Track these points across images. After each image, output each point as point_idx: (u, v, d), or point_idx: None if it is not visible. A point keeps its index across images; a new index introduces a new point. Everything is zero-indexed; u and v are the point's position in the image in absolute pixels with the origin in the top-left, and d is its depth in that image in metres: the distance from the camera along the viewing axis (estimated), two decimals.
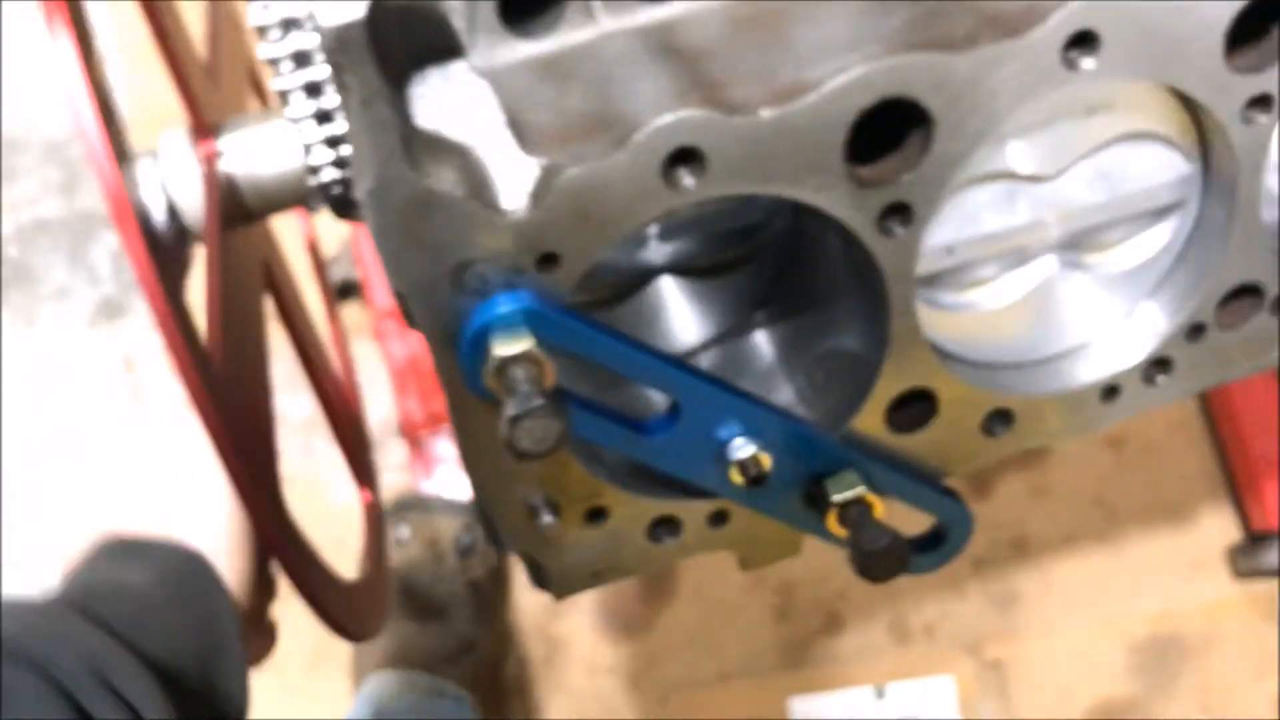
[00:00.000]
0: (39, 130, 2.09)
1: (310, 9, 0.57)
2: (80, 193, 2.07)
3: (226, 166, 0.95)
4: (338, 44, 0.57)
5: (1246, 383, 1.77)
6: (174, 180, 0.91)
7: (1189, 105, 0.72)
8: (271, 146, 0.94)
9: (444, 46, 0.66)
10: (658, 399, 0.78)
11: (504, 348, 0.64)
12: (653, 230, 0.82)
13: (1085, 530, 1.86)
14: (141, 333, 1.94)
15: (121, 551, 0.76)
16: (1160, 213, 0.78)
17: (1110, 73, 0.67)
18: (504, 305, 0.65)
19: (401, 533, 1.67)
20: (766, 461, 0.72)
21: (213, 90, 1.04)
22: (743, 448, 0.72)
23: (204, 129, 0.94)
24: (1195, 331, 0.79)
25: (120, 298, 2.00)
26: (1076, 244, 0.79)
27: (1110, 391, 0.81)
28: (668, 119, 0.63)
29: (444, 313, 0.66)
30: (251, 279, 1.01)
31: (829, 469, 0.75)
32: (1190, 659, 1.81)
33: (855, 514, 0.73)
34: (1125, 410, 0.81)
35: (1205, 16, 0.67)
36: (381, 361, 1.88)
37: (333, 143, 0.79)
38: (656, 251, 0.84)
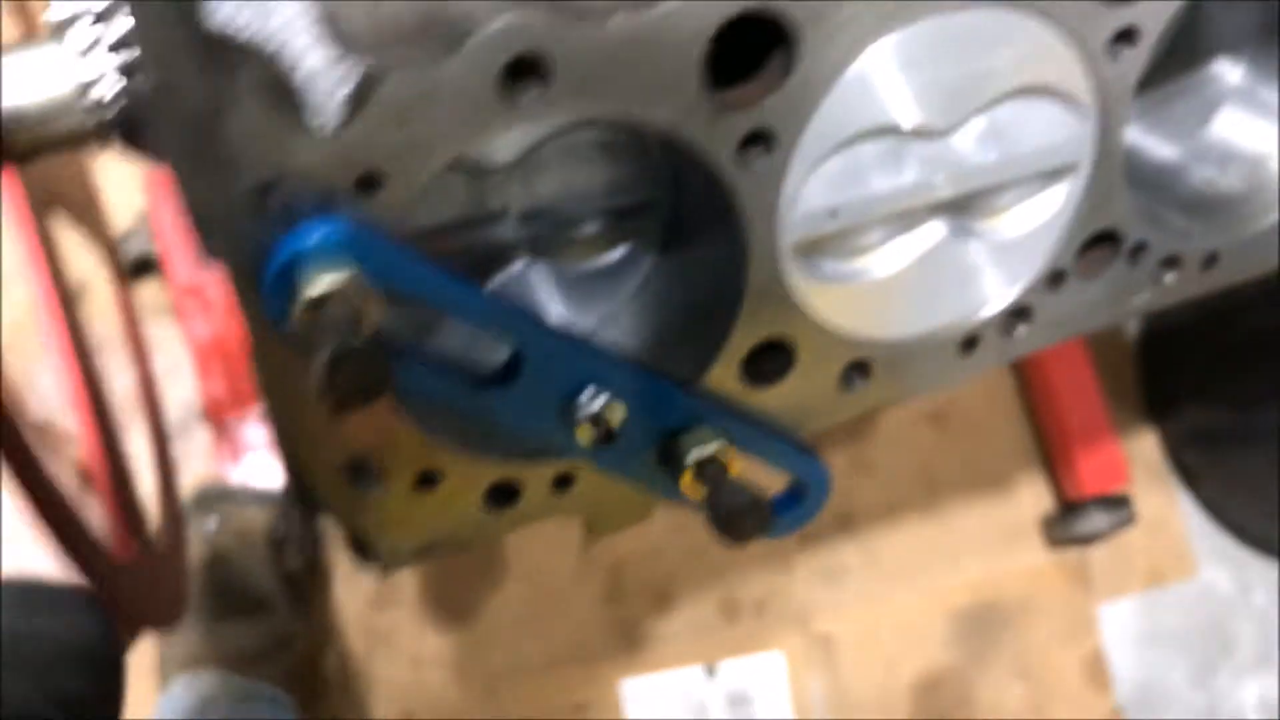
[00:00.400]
0: None
1: None
2: None
3: None
4: None
5: (1060, 357, 1.82)
6: None
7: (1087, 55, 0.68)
8: (39, 73, 0.82)
9: None
10: (494, 351, 0.70)
11: (316, 284, 0.55)
12: (515, 209, 0.74)
13: (908, 503, 1.88)
14: None
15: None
16: (1052, 176, 0.74)
17: None
18: (316, 233, 0.56)
19: (208, 525, 1.54)
20: (618, 416, 0.65)
21: None
22: (592, 401, 0.65)
23: None
24: (1055, 279, 0.76)
25: None
26: (966, 208, 0.74)
27: (969, 342, 0.77)
28: (506, 21, 0.56)
29: (245, 242, 0.56)
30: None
31: (682, 425, 0.69)
32: (1008, 626, 1.86)
33: (713, 472, 0.67)
34: (983, 362, 0.78)
35: None
36: (182, 342, 1.75)
37: (115, 49, 0.68)
38: (518, 230, 0.76)
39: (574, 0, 0.59)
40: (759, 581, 1.85)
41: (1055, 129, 0.71)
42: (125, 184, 1.56)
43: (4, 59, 0.81)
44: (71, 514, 0.68)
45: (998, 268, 0.76)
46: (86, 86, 0.71)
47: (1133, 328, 1.97)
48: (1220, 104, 0.83)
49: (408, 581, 1.78)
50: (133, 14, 0.52)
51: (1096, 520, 1.81)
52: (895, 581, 1.86)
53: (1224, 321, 1.74)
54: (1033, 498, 1.90)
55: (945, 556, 1.88)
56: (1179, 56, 0.86)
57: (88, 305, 1.11)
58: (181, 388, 1.73)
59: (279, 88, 0.55)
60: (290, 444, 0.64)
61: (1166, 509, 1.94)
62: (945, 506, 1.91)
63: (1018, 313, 0.77)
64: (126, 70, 0.68)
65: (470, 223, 0.68)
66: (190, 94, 0.52)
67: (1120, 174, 0.73)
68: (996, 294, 0.76)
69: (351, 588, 1.76)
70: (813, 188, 0.67)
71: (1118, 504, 1.81)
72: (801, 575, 1.83)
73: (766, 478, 0.74)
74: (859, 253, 0.75)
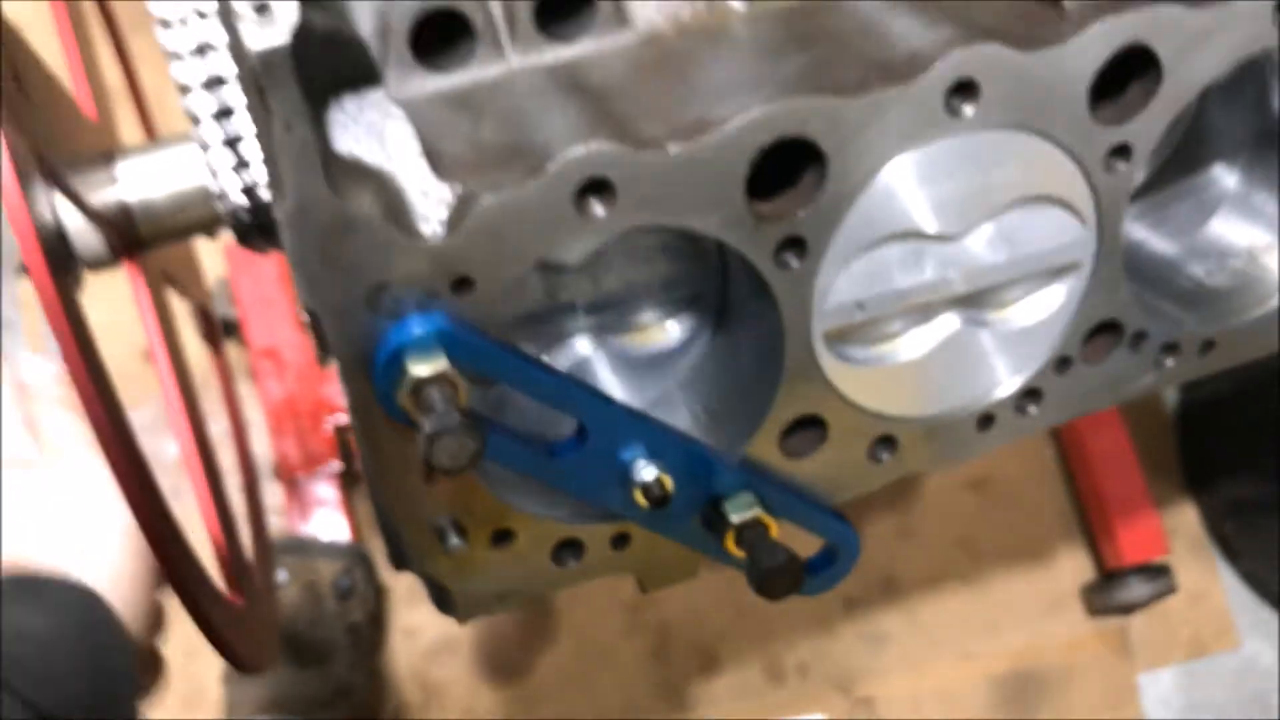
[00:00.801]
0: None
1: (239, 32, 0.57)
2: None
3: (121, 194, 0.94)
4: (264, 67, 0.58)
5: (1098, 427, 1.87)
6: (66, 207, 0.90)
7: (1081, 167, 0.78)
8: (169, 172, 0.94)
9: (363, 74, 0.68)
10: (563, 423, 0.80)
11: (420, 368, 0.65)
12: (582, 301, 0.84)
13: (950, 570, 1.92)
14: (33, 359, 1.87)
15: (16, 591, 0.74)
16: (1057, 273, 0.83)
17: (988, 120, 0.73)
18: (419, 327, 0.66)
19: (279, 576, 1.64)
20: (669, 484, 0.74)
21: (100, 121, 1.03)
22: (646, 469, 0.74)
23: (97, 156, 0.93)
24: (1062, 364, 0.85)
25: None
26: (979, 301, 0.83)
27: (985, 420, 0.86)
28: (579, 150, 0.66)
29: (358, 334, 0.67)
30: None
31: (727, 492, 0.78)
32: (1049, 694, 1.89)
33: (752, 534, 0.76)
34: (999, 438, 0.86)
35: (1073, 68, 0.73)
36: (257, 402, 1.85)
37: (242, 165, 0.79)
38: (584, 318, 0.86)
39: (637, 130, 0.69)
40: (804, 645, 1.89)
41: (1058, 232, 0.81)
42: (206, 249, 1.70)
43: (136, 158, 0.93)
44: (192, 558, 0.77)
45: (1006, 354, 0.85)
46: (212, 188, 0.82)
47: (1171, 399, 2.01)
48: (1217, 207, 0.91)
49: (463, 637, 1.84)
50: (269, 145, 0.63)
51: (1137, 589, 1.84)
52: (937, 647, 1.90)
53: (1261, 394, 1.77)
54: (1073, 566, 1.94)
55: (987, 623, 1.91)
56: (1181, 161, 0.96)
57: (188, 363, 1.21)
58: (254, 445, 1.84)
59: (393, 206, 0.66)
60: (386, 505, 0.74)
61: (1207, 580, 1.96)
62: (987, 574, 1.94)
63: (1029, 394, 0.86)
64: (251, 187, 0.80)
65: (544, 314, 0.78)
66: (319, 212, 0.63)
67: (1120, 270, 0.82)
68: (1007, 378, 0.85)
69: (409, 641, 1.83)
70: (842, 284, 0.77)
71: (1158, 573, 1.84)
72: (845, 640, 1.88)
73: (803, 541, 0.83)
74: (883, 340, 0.84)
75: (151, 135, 1.31)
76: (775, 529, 0.78)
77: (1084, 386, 0.86)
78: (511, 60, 0.77)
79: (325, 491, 1.81)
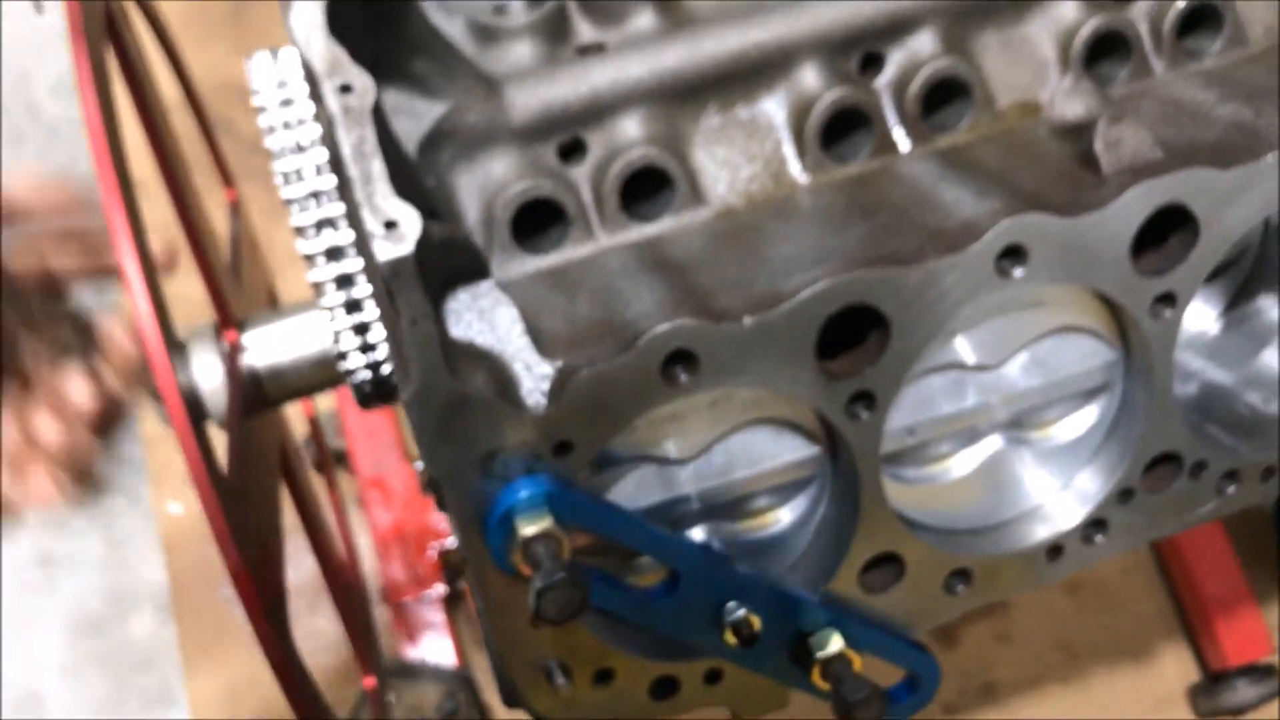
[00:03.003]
0: None
1: (370, 246, 0.67)
2: None
3: (249, 359, 1.04)
4: (392, 275, 0.68)
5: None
6: (201, 372, 1.01)
7: (1108, 302, 0.84)
8: (291, 339, 1.04)
9: (473, 268, 0.77)
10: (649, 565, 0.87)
11: (528, 527, 0.73)
12: (696, 492, 0.88)
13: (1049, 673, 1.91)
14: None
15: None
16: (1090, 393, 0.90)
17: (1037, 279, 0.79)
18: (526, 489, 0.74)
19: (388, 698, 1.71)
20: (757, 623, 0.80)
21: (236, 290, 1.14)
22: (735, 611, 0.81)
23: (228, 323, 1.04)
24: (1125, 495, 0.90)
25: (108, 473, 2.06)
26: (1019, 423, 0.90)
27: (1055, 551, 0.91)
28: (664, 327, 0.74)
29: (473, 496, 0.75)
30: (270, 462, 1.10)
31: (812, 628, 0.84)
32: None
33: (837, 669, 0.82)
34: (1069, 567, 0.91)
35: (1114, 229, 0.80)
36: (366, 528, 1.95)
37: (360, 330, 0.88)
38: (698, 507, 0.90)
39: (714, 302, 0.77)
40: None
41: (1088, 356, 0.88)
42: None
43: (266, 326, 1.04)
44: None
45: (1048, 468, 0.91)
46: (338, 359, 0.92)
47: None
48: (1269, 337, 0.96)
49: None
50: (395, 337, 0.72)
51: (1243, 691, 1.81)
52: None
53: None
54: (1177, 667, 1.91)
55: None
56: (1231, 294, 1.01)
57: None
58: (364, 570, 1.93)
59: (502, 382, 0.74)
60: (498, 648, 0.82)
61: None
62: (1087, 676, 1.92)
63: (1094, 524, 0.91)
64: (368, 349, 0.89)
65: (660, 507, 0.85)
66: (440, 394, 0.72)
67: (1172, 407, 0.87)
68: (1055, 492, 0.91)
69: None
70: (893, 412, 0.83)
71: (1264, 673, 1.81)
72: None
73: (883, 669, 0.89)
74: (934, 461, 0.91)
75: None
76: (859, 662, 0.83)
77: (1148, 515, 0.91)
78: (600, 240, 0.86)
79: (431, 614, 1.89)
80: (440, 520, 1.88)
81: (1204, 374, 0.96)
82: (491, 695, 1.80)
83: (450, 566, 1.88)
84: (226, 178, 1.36)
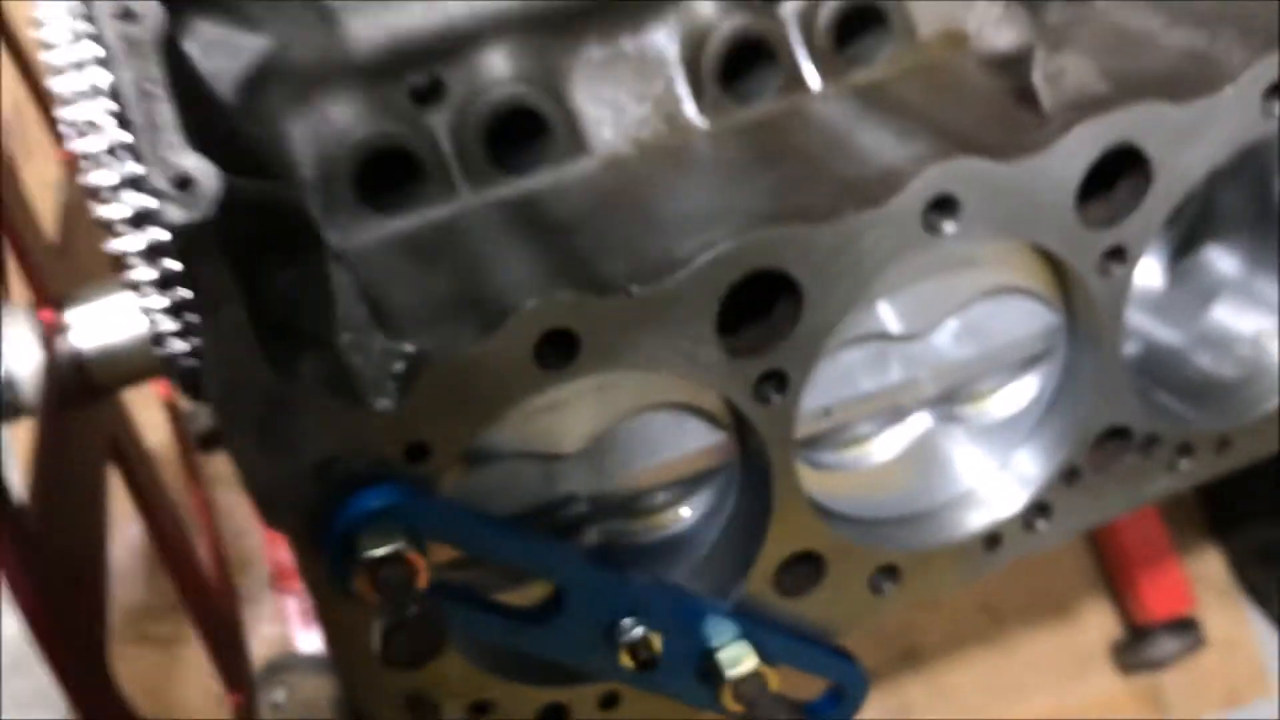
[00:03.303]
0: None
1: (158, 205, 0.54)
2: None
3: (73, 341, 0.90)
4: (185, 243, 0.54)
5: None
6: (12, 357, 0.87)
7: (1050, 258, 0.74)
8: (122, 317, 0.90)
9: (300, 234, 0.64)
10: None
11: (374, 548, 0.60)
12: (585, 492, 0.77)
13: (973, 636, 1.88)
14: None
15: None
16: (1029, 362, 0.80)
17: (971, 234, 0.69)
18: (372, 500, 0.62)
19: (276, 696, 1.58)
20: (658, 643, 0.69)
21: (61, 263, 1.00)
22: (631, 629, 0.69)
23: (47, 302, 0.90)
24: (1070, 476, 0.80)
25: None
26: (950, 397, 0.79)
27: (992, 540, 0.81)
28: (536, 301, 0.62)
29: (306, 512, 0.62)
30: (94, 458, 0.96)
31: (720, 642, 0.73)
32: None
33: (751, 689, 0.71)
34: (1007, 557, 0.82)
35: (1057, 174, 0.69)
36: (251, 508, 1.81)
37: (177, 310, 0.75)
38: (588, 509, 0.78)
39: (597, 270, 0.65)
40: None
41: (1028, 320, 0.78)
42: None
43: (94, 303, 0.90)
44: None
45: (982, 447, 0.82)
46: (155, 341, 0.78)
47: None
48: (1218, 292, 0.87)
49: None
50: (200, 323, 0.59)
51: (1166, 645, 1.81)
52: (964, 716, 1.85)
53: None
54: (1100, 623, 1.89)
55: (1014, 687, 1.86)
56: (1176, 244, 0.91)
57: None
58: (249, 553, 1.80)
59: (337, 373, 0.61)
60: (352, 683, 0.69)
61: (1238, 628, 1.91)
62: (1011, 637, 1.90)
63: (1037, 509, 0.81)
64: (190, 331, 0.75)
65: (544, 509, 0.74)
66: (253, 392, 0.59)
67: (1122, 375, 0.78)
68: (992, 473, 0.81)
69: None
70: (807, 391, 0.72)
71: (1186, 627, 1.80)
72: (869, 712, 1.82)
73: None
74: (854, 444, 0.81)
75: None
76: (775, 679, 0.72)
77: (1095, 496, 0.82)
78: (464, 197, 0.74)
79: None
80: None
81: (1149, 333, 0.87)
82: None
83: None
84: (58, 134, 1.20)
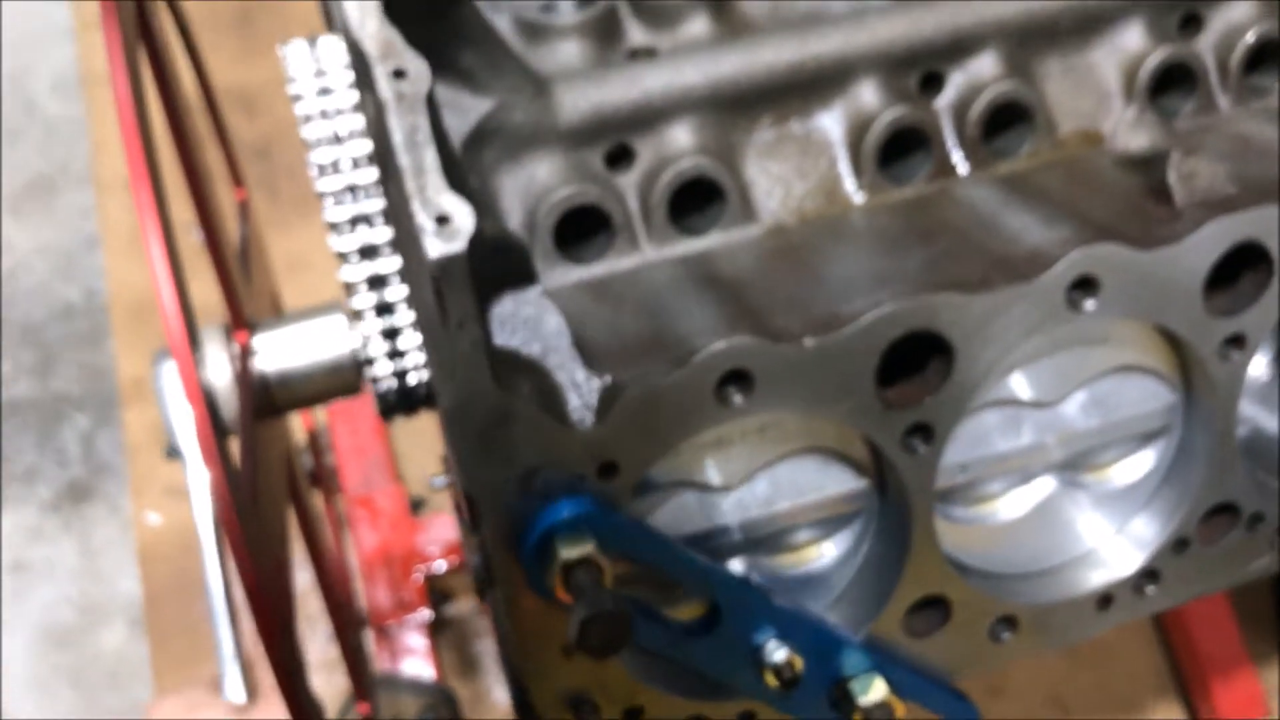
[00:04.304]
0: (14, 310, 2.12)
1: (420, 241, 0.63)
2: (53, 376, 2.09)
3: (259, 363, 1.00)
4: (442, 273, 0.63)
5: None
6: (212, 373, 0.96)
7: (1174, 341, 0.81)
8: (302, 344, 0.99)
9: (521, 272, 0.73)
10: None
11: (569, 551, 0.68)
12: (738, 523, 0.82)
13: None
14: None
15: None
16: (1148, 437, 0.86)
17: (1108, 312, 0.76)
18: (568, 510, 0.70)
19: None
20: (800, 665, 0.76)
21: (247, 292, 1.09)
22: (777, 651, 0.76)
23: (240, 324, 0.99)
24: (1180, 545, 0.86)
25: (88, 480, 2.00)
26: (1074, 464, 0.86)
27: (1105, 600, 0.87)
28: (722, 344, 0.70)
29: (510, 515, 0.70)
30: (277, 473, 1.05)
31: (853, 672, 0.79)
32: None
33: (881, 716, 0.77)
34: (1118, 618, 0.87)
35: (1188, 264, 0.77)
36: (351, 548, 1.89)
37: (390, 335, 0.83)
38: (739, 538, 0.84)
39: (771, 322, 0.73)
40: None
41: (1149, 398, 0.84)
42: None
43: (277, 330, 0.99)
44: None
45: (1101, 513, 0.88)
46: (363, 365, 0.87)
47: None
48: None
49: None
50: (438, 341, 0.67)
51: None
52: None
53: None
54: None
55: None
56: None
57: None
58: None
59: (547, 396, 0.70)
60: (524, 676, 0.77)
61: None
62: None
63: (1147, 574, 0.87)
64: (403, 370, 0.84)
65: (701, 536, 0.80)
66: (482, 404, 0.67)
67: (1235, 453, 0.84)
68: (1126, 557, 0.86)
69: None
70: (947, 447, 0.79)
71: None
72: None
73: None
74: (985, 500, 0.87)
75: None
76: (902, 709, 0.79)
77: (1201, 568, 0.87)
78: (646, 252, 0.82)
79: (414, 640, 1.83)
80: (428, 543, 1.83)
81: (1255, 420, 0.93)
82: (471, 714, 1.74)
83: (436, 591, 1.82)
84: (237, 178, 1.31)
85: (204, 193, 1.01)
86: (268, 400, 1.00)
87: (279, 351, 1.00)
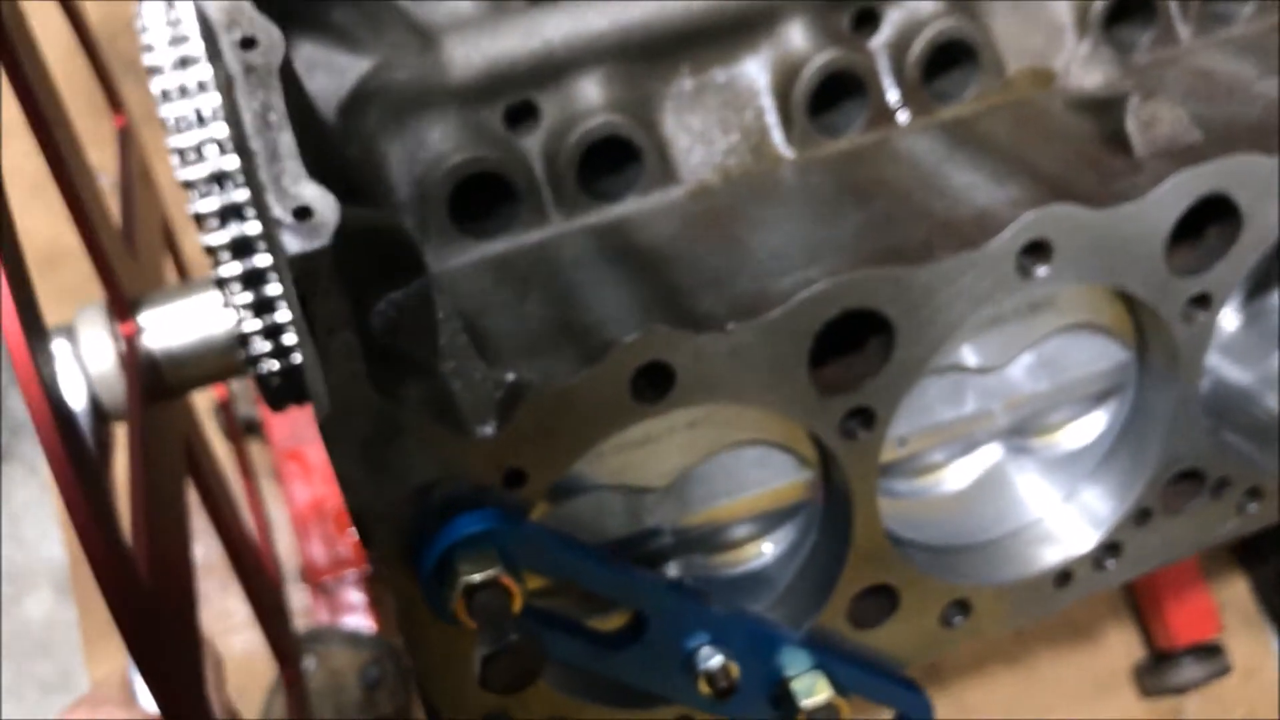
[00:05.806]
0: None
1: (278, 238, 0.54)
2: None
3: (147, 344, 0.91)
4: (302, 273, 0.55)
5: None
6: (92, 362, 0.88)
7: (1126, 298, 0.74)
8: (194, 322, 0.91)
9: (404, 261, 0.64)
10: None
11: (472, 573, 0.61)
12: (669, 524, 0.77)
13: (996, 655, 1.87)
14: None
15: None
16: (1098, 397, 0.80)
17: (1062, 278, 0.69)
18: (469, 526, 0.62)
19: (307, 664, 1.60)
20: (736, 671, 0.70)
21: (130, 260, 1.00)
22: (711, 658, 0.70)
23: (123, 306, 0.90)
24: (1142, 516, 0.81)
25: (4, 441, 1.90)
26: (1021, 429, 0.80)
27: (1063, 577, 0.81)
28: (636, 336, 0.62)
29: (404, 534, 0.63)
30: (175, 460, 0.97)
31: (794, 671, 0.74)
32: None
33: (825, 718, 0.71)
34: (1076, 594, 0.82)
35: (1150, 222, 0.70)
36: (282, 503, 1.82)
37: (272, 332, 0.76)
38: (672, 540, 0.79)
39: (693, 305, 0.66)
40: None
41: (1100, 356, 0.78)
42: None
43: (165, 306, 0.91)
44: None
45: (1050, 479, 0.82)
46: (250, 361, 0.79)
47: None
48: None
49: None
50: (313, 347, 0.59)
51: (1190, 670, 1.80)
52: None
53: None
54: (1123, 647, 1.89)
55: (1036, 708, 1.86)
56: (1250, 285, 0.91)
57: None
58: (280, 547, 1.81)
59: (440, 399, 0.62)
60: (434, 699, 0.70)
61: (1261, 655, 1.91)
62: (1034, 656, 1.89)
63: (1108, 548, 0.81)
64: (282, 351, 0.76)
65: (628, 541, 0.74)
66: (363, 416, 0.59)
67: (1198, 419, 0.78)
68: (1085, 531, 0.81)
69: None
70: None
71: (1211, 653, 1.79)
72: None
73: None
74: (926, 472, 0.82)
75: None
76: (847, 709, 0.73)
77: (1164, 537, 0.82)
78: (555, 222, 0.74)
79: (353, 596, 1.78)
80: None
81: (1219, 372, 0.87)
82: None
83: None
84: (114, 100, 1.17)
85: (58, 139, 0.89)
86: (158, 382, 0.92)
87: (169, 329, 0.91)
